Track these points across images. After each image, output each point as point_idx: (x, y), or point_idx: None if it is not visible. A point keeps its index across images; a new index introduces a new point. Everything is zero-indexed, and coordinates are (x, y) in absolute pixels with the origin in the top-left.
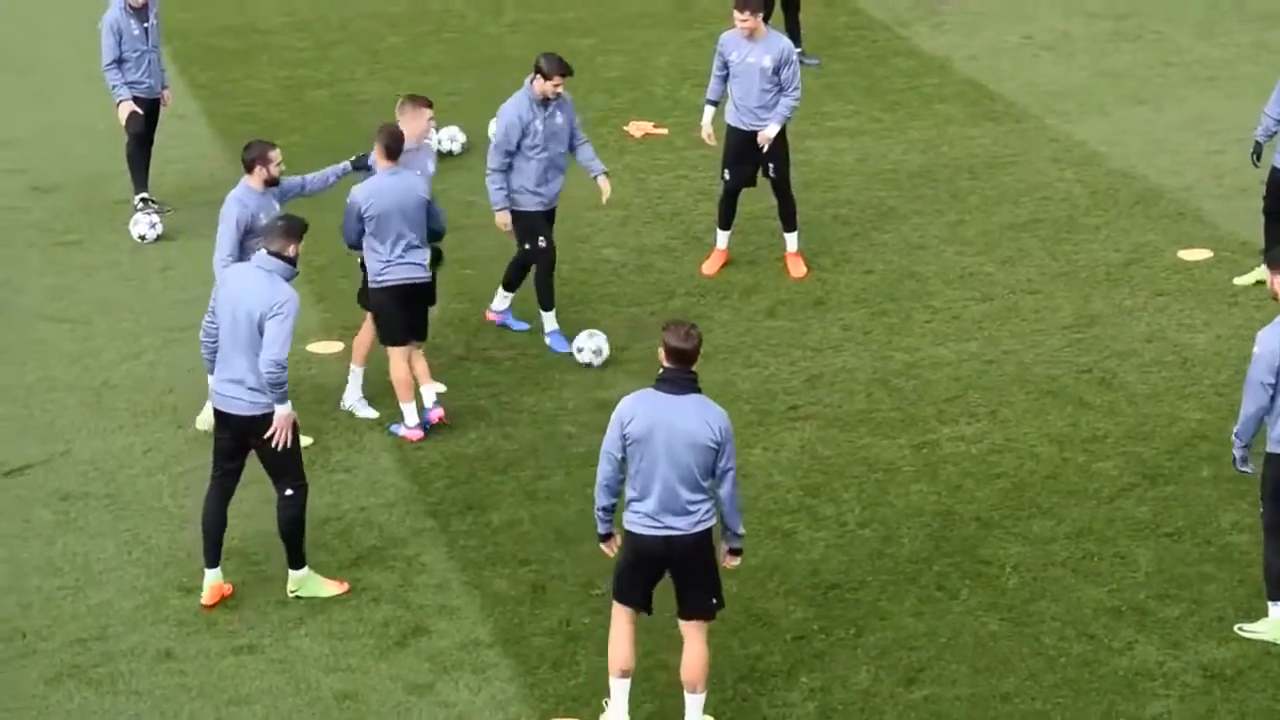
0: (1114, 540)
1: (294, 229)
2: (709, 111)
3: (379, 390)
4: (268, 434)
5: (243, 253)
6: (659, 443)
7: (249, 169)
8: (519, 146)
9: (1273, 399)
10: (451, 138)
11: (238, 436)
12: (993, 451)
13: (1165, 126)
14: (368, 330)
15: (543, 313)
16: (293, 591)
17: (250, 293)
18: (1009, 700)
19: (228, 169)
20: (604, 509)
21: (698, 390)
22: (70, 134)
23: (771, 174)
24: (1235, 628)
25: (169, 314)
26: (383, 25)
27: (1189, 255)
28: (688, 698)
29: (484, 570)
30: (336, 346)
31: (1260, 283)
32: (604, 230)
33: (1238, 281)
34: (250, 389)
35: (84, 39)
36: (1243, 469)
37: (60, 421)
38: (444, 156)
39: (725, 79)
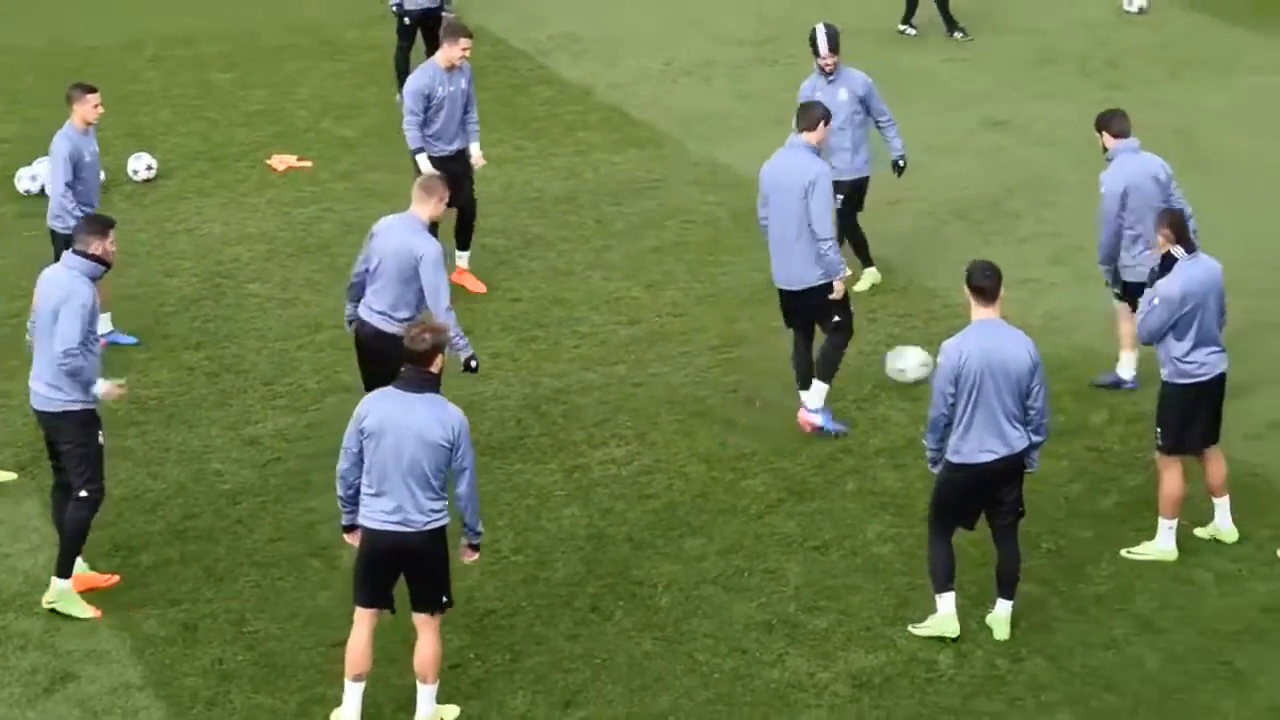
0: (764, 555)
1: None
2: (424, 160)
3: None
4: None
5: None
6: (391, 439)
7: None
8: None
9: (952, 407)
10: (148, 166)
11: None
12: (643, 473)
13: None
14: None
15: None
16: (49, 602)
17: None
18: (664, 718)
19: None
20: (342, 499)
21: (435, 390)
22: None
23: (462, 199)
24: (909, 628)
25: None
26: (21, 62)
27: None
28: (419, 688)
29: (133, 612)
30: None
31: (875, 286)
32: (249, 265)
33: (857, 289)
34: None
35: None
36: (934, 470)
37: None
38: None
39: (426, 121)
